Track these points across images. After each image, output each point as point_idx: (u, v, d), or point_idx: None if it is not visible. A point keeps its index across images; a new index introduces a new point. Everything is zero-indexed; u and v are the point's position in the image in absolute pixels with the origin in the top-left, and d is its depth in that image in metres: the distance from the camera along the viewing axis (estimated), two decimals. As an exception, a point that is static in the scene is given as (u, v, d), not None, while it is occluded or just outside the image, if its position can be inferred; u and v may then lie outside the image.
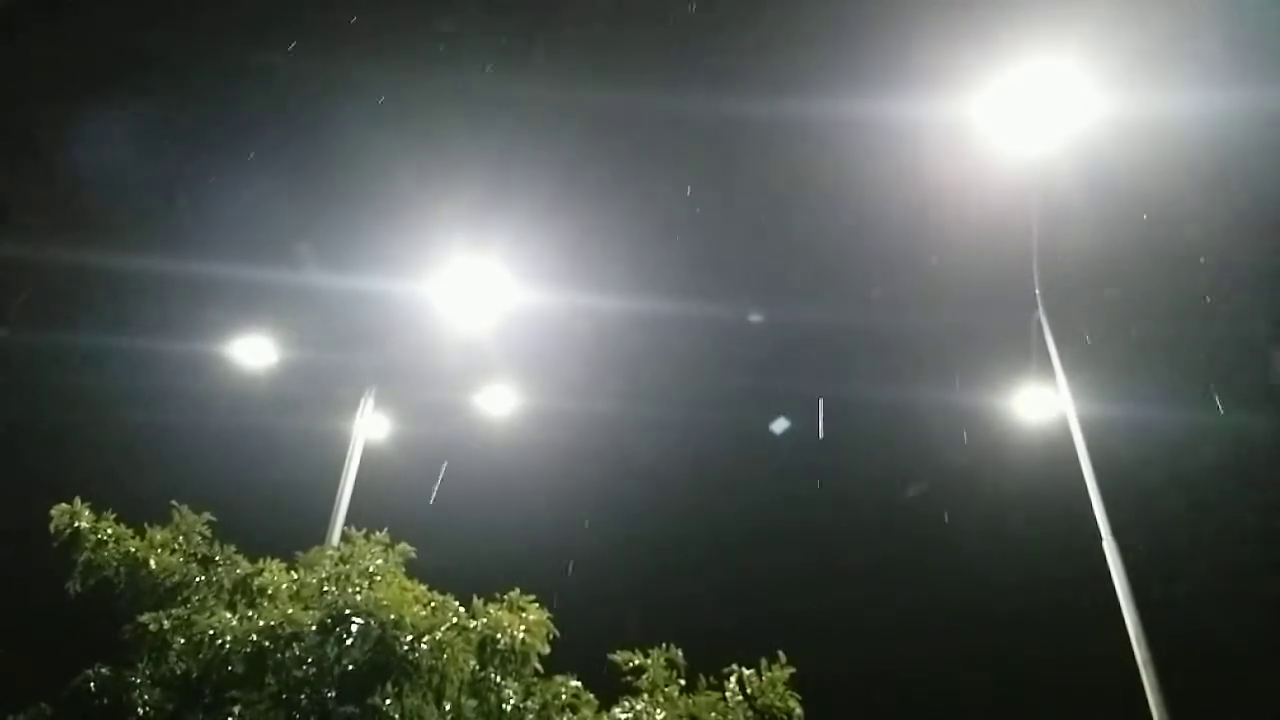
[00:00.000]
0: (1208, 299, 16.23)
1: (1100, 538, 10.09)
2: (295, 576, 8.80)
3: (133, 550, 8.60)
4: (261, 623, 7.95)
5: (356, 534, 9.17)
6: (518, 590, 8.58)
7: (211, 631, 7.96)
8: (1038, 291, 12.27)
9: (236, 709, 7.82)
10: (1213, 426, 16.14)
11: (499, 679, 8.24)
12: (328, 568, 8.80)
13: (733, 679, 8.80)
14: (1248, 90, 13.61)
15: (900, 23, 15.85)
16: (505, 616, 8.32)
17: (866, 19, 16.29)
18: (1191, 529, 16.14)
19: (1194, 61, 13.84)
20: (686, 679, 8.82)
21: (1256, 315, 16.13)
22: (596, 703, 8.69)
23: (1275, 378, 15.92)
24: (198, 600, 8.52)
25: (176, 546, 8.81)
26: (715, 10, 17.70)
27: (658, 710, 8.44)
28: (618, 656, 8.90)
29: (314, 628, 7.86)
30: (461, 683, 8.00)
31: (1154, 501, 15.10)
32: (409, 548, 9.14)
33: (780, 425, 21.18)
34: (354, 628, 7.75)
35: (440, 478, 15.74)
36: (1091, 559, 10.11)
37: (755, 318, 20.91)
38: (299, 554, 9.10)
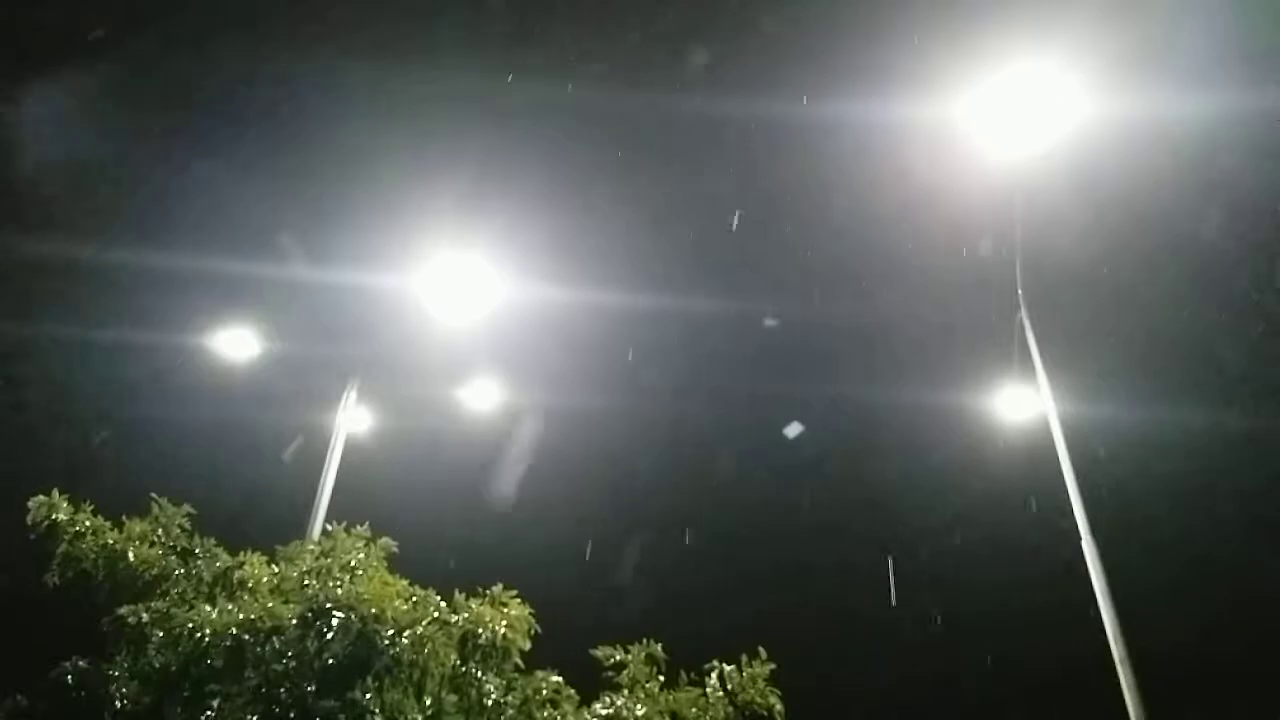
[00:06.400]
0: (1190, 299, 16.35)
1: (1079, 536, 10.16)
2: (276, 570, 8.75)
3: (111, 542, 8.53)
4: (241, 616, 7.91)
5: (338, 528, 9.13)
6: (500, 585, 8.57)
7: (191, 625, 7.90)
8: (1020, 292, 12.34)
9: (215, 703, 7.77)
10: (1194, 426, 16.25)
11: (480, 674, 8.23)
12: (308, 561, 8.76)
13: (714, 675, 8.82)
14: (1232, 91, 13.71)
15: (887, 25, 15.90)
16: (487, 611, 8.30)
17: (853, 21, 16.33)
18: (1171, 528, 16.27)
19: (1179, 63, 13.92)
20: (667, 675, 8.83)
21: (1239, 315, 16.25)
22: (577, 698, 8.68)
23: (1258, 378, 16.04)
24: (177, 593, 8.46)
25: (156, 539, 8.74)
26: (703, 10, 17.71)
27: (638, 706, 8.45)
28: (599, 652, 8.92)
29: (294, 621, 7.82)
30: (442, 677, 7.99)
31: (1134, 500, 15.21)
32: (390, 542, 9.11)
33: (794, 429, 21.16)
34: (334, 622, 7.71)
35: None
36: (1070, 557, 10.19)
37: (740, 315, 20.94)
38: (279, 547, 9.05)
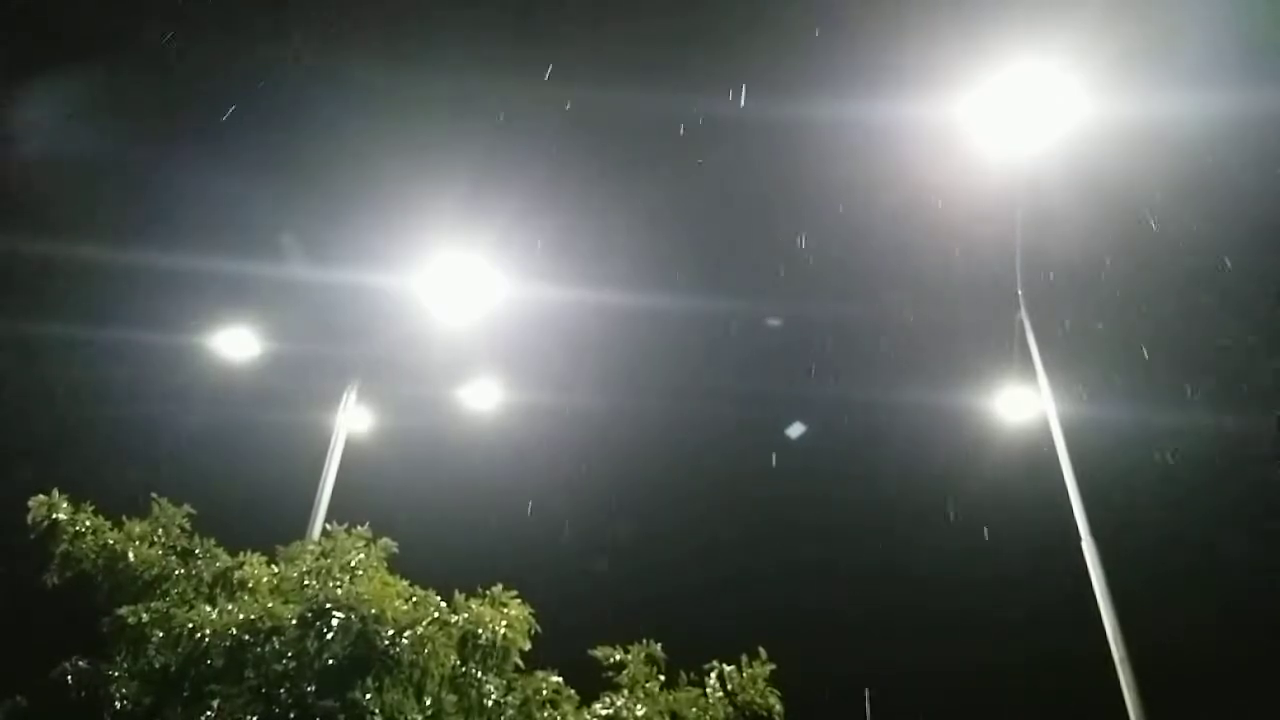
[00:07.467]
0: (1190, 299, 16.35)
1: (1079, 536, 10.16)
2: (276, 570, 8.74)
3: (111, 542, 8.51)
4: (241, 616, 7.89)
5: (338, 528, 9.13)
6: (500, 585, 8.57)
7: (190, 625, 7.89)
8: (1020, 291, 12.34)
9: (215, 703, 7.75)
10: (1192, 426, 16.26)
11: (480, 674, 8.22)
12: (308, 561, 8.75)
13: (713, 675, 8.81)
14: (1232, 93, 13.71)
15: (889, 24, 15.90)
16: (487, 612, 8.30)
17: (854, 21, 16.33)
18: (1170, 528, 16.27)
19: (1179, 65, 13.92)
20: (667, 675, 8.82)
21: (1239, 316, 16.25)
22: (577, 698, 8.68)
23: (1256, 377, 16.04)
24: (177, 593, 8.43)
25: (155, 539, 8.72)
26: (703, 11, 17.70)
27: (638, 706, 8.44)
28: (599, 652, 8.91)
29: (294, 621, 7.81)
30: (442, 678, 7.98)
31: (1133, 501, 15.21)
32: (390, 542, 9.10)
33: (796, 430, 21.16)
34: (334, 622, 7.70)
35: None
36: (1070, 557, 10.19)
37: (740, 314, 20.95)
38: (279, 547, 9.04)
